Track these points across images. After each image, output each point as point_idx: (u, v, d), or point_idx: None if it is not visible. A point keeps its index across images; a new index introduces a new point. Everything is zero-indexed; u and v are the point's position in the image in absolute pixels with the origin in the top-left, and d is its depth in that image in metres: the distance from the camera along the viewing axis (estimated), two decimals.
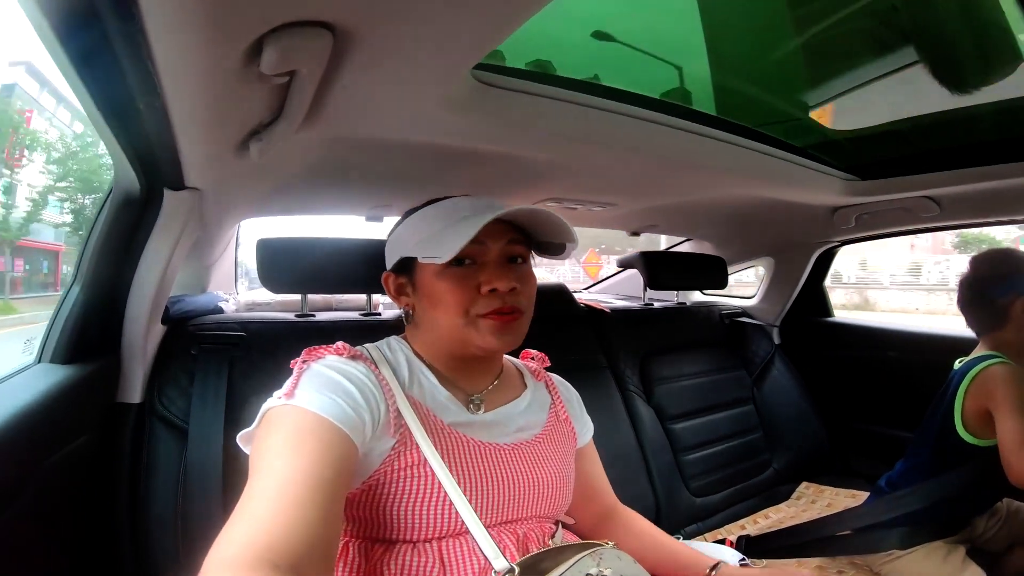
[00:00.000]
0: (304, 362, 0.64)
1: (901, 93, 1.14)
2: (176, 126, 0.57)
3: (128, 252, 0.83)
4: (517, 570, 0.58)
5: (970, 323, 1.23)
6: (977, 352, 1.18)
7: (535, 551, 0.64)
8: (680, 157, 1.00)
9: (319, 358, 0.65)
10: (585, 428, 0.88)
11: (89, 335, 0.83)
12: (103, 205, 0.77)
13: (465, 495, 0.63)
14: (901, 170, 1.24)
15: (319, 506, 0.49)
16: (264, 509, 0.47)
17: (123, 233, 0.80)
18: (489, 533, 0.63)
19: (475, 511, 0.63)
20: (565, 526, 0.79)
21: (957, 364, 1.20)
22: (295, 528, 0.46)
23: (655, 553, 0.82)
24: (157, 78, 0.47)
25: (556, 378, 0.89)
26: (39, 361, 0.82)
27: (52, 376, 0.76)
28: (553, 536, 0.73)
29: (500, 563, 0.60)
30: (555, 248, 0.74)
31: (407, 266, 0.72)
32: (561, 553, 0.62)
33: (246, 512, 0.47)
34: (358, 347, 0.70)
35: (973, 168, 1.15)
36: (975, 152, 1.15)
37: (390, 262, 0.75)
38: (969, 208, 1.36)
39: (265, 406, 0.58)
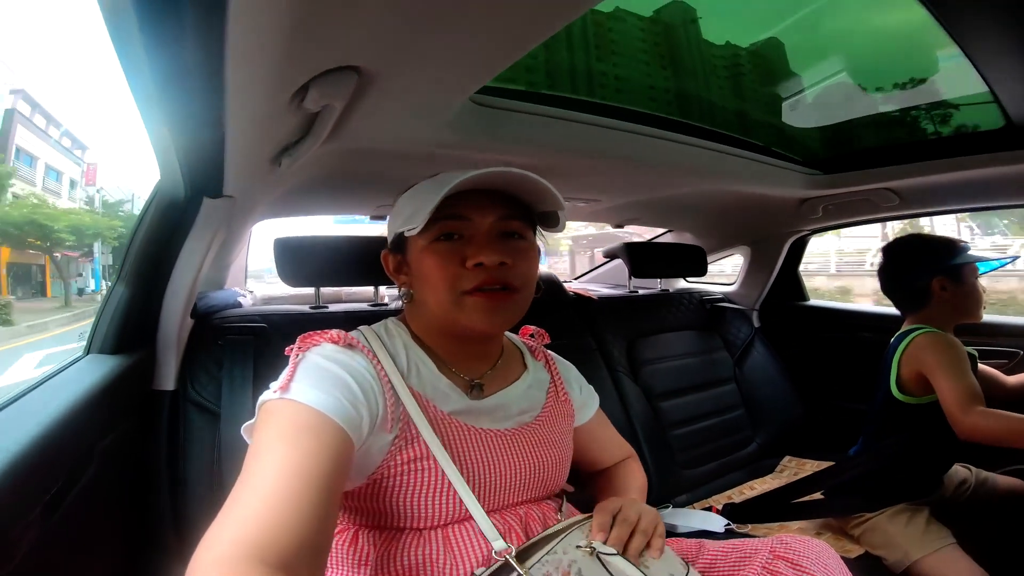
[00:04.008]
0: (299, 350, 0.62)
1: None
2: (228, 144, 0.66)
3: (166, 253, 0.91)
4: (514, 549, 0.60)
5: (896, 306, 1.33)
6: (906, 327, 1.29)
7: (539, 532, 0.67)
8: (658, 161, 1.11)
9: (315, 345, 0.63)
10: (587, 404, 0.89)
11: (130, 328, 0.91)
12: (146, 210, 0.86)
13: (468, 484, 0.63)
14: (861, 164, 1.34)
15: (311, 502, 0.47)
16: (254, 505, 0.46)
17: (163, 236, 0.89)
18: (491, 518, 0.64)
19: (478, 499, 0.64)
20: (568, 496, 0.81)
21: (893, 340, 1.30)
22: (285, 525, 0.45)
23: (601, 480, 0.90)
24: (224, 103, 0.55)
25: (556, 357, 0.89)
26: (88, 352, 0.90)
27: (101, 366, 0.83)
28: (560, 509, 0.75)
29: (499, 544, 0.61)
30: (551, 218, 0.72)
31: (400, 244, 0.71)
32: (553, 532, 0.64)
33: (236, 508, 0.46)
34: (354, 331, 0.69)
35: (928, 161, 1.24)
36: (930, 146, 1.25)
37: (389, 241, 0.74)
38: (927, 198, 1.47)
39: (261, 399, 0.57)
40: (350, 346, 0.65)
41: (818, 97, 1.33)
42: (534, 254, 0.71)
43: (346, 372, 0.59)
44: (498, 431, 0.70)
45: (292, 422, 0.53)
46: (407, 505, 0.62)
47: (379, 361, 0.65)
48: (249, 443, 0.56)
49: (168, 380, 1.00)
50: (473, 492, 0.64)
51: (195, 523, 0.92)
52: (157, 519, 0.93)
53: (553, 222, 0.72)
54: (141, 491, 0.92)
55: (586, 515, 0.69)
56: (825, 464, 1.63)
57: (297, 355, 0.61)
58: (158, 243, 0.90)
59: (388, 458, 0.62)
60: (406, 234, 0.67)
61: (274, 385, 0.57)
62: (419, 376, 0.68)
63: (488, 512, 0.64)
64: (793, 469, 1.67)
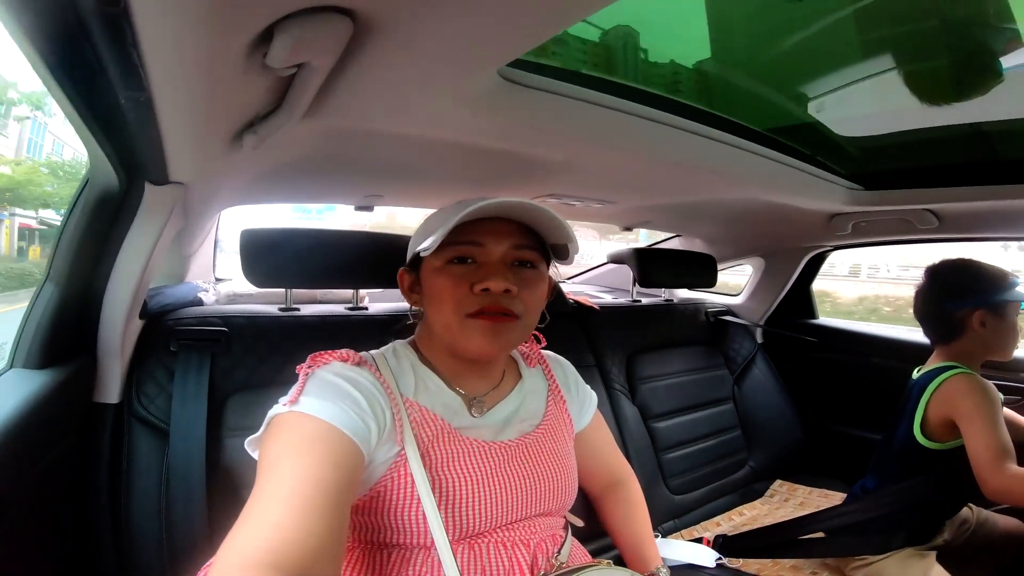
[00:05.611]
0: (309, 367, 0.63)
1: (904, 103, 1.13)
2: (163, 121, 0.51)
3: (105, 248, 0.76)
4: None
5: (926, 332, 1.24)
6: (934, 362, 1.20)
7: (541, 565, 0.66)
8: (693, 160, 0.96)
9: (324, 364, 0.64)
10: (584, 409, 0.88)
11: (64, 336, 0.77)
12: (76, 199, 0.70)
13: (473, 500, 0.64)
14: (906, 182, 1.22)
15: (327, 511, 0.48)
16: (272, 514, 0.46)
17: (99, 229, 0.73)
18: (505, 537, 0.66)
19: (485, 515, 0.64)
20: (574, 530, 0.80)
21: (916, 374, 1.22)
22: (303, 533, 0.45)
23: (619, 536, 0.90)
24: (143, 70, 0.40)
25: (551, 357, 0.89)
26: (11, 367, 0.75)
27: (27, 383, 0.70)
28: (560, 548, 0.73)
29: None
30: (561, 251, 0.72)
31: (416, 263, 0.72)
32: None
33: (253, 517, 0.47)
34: (363, 353, 0.70)
35: (980, 186, 1.14)
36: (982, 169, 1.14)
37: (408, 259, 0.76)
38: (968, 223, 1.37)
39: (271, 413, 0.58)
40: (358, 364, 0.66)
41: (868, 104, 1.19)
42: (543, 284, 0.72)
43: (353, 387, 0.61)
44: (501, 443, 0.70)
45: (304, 434, 0.54)
46: (407, 520, 0.62)
47: (383, 377, 0.67)
48: (254, 456, 0.57)
49: (112, 392, 0.86)
50: (479, 507, 0.64)
51: (140, 556, 0.82)
52: (97, 552, 0.82)
53: (563, 254, 0.73)
54: (79, 520, 0.81)
55: (581, 565, 0.67)
56: (817, 491, 1.61)
57: (307, 372, 0.63)
58: (94, 237, 0.74)
59: (392, 470, 0.62)
60: (421, 254, 0.67)
61: (283, 399, 0.59)
62: (427, 391, 0.70)
63: (500, 527, 0.66)
64: (784, 494, 1.64)
